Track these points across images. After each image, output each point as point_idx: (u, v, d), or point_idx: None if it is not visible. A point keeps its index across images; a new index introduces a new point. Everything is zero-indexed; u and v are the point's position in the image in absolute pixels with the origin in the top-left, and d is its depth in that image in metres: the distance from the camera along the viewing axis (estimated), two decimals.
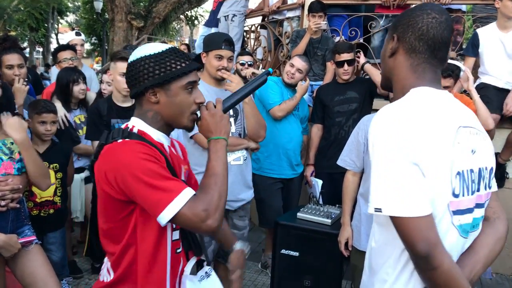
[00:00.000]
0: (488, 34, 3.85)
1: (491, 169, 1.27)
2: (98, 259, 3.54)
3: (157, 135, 1.39)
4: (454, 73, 3.16)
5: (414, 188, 1.08)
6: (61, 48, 4.06)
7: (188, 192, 1.23)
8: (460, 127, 1.17)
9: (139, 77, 1.34)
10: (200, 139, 2.48)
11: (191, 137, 2.51)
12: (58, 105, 3.32)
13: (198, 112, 1.40)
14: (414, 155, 1.08)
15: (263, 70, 4.42)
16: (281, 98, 3.49)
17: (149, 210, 1.24)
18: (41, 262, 2.27)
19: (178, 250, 1.41)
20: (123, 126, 1.41)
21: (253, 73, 4.08)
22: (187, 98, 1.36)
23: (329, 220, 2.66)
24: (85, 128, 3.49)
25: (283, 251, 2.71)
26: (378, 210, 1.11)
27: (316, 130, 3.68)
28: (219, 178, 1.28)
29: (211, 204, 1.23)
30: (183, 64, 1.34)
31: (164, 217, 1.21)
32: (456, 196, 1.14)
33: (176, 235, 1.39)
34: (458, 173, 1.14)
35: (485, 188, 1.25)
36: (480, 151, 1.22)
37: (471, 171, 1.19)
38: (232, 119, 2.64)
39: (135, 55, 1.37)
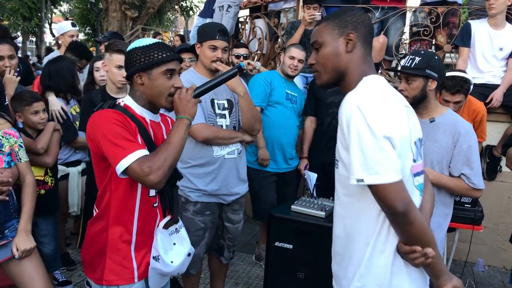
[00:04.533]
0: (479, 28, 3.89)
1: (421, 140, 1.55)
2: None
3: (140, 110, 1.72)
4: (463, 88, 3.02)
5: (388, 158, 1.28)
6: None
7: (140, 152, 1.54)
8: (405, 105, 1.46)
9: (130, 64, 1.69)
10: (193, 132, 2.46)
11: None
12: (53, 98, 3.23)
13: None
14: (385, 130, 1.28)
15: (258, 62, 4.39)
16: (263, 99, 3.45)
17: (111, 162, 1.57)
18: (31, 262, 2.23)
19: (155, 205, 1.75)
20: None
21: (249, 63, 4.06)
22: (166, 82, 1.67)
23: (323, 213, 2.65)
24: None
25: (277, 243, 2.71)
26: (360, 180, 1.30)
27: (310, 123, 3.67)
28: (170, 146, 1.57)
29: (156, 164, 1.52)
30: (164, 55, 1.66)
31: (119, 168, 1.53)
32: (414, 161, 1.42)
33: (153, 192, 1.72)
34: (414, 142, 1.43)
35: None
36: (416, 125, 1.50)
37: (419, 139, 1.50)
38: (226, 112, 2.62)
39: (130, 46, 1.71)
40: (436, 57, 2.34)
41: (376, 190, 1.30)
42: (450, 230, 3.29)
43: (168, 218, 1.77)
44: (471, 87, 3.15)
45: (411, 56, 2.28)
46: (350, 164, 1.33)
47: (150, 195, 1.72)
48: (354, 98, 1.37)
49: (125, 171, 1.53)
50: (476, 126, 3.34)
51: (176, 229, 1.80)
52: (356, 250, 1.44)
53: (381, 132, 1.28)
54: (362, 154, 1.29)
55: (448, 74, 3.15)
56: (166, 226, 1.75)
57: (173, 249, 1.76)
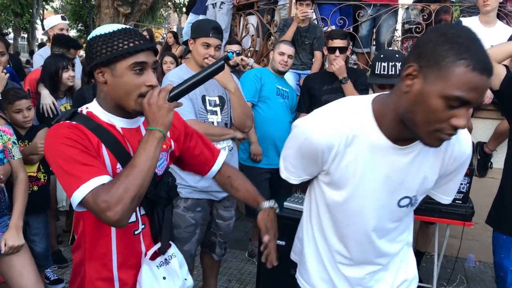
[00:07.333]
0: (471, 26, 3.92)
1: None
2: None
3: (107, 117, 1.38)
4: None
5: None
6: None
7: (96, 181, 1.20)
8: None
9: (89, 57, 1.34)
10: None
11: None
12: (45, 92, 3.25)
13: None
14: None
15: (251, 59, 4.39)
16: (254, 94, 3.45)
17: (66, 193, 1.26)
18: (20, 259, 2.23)
19: (136, 232, 1.42)
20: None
21: (242, 60, 4.06)
22: (134, 79, 1.31)
23: None
24: None
25: None
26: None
27: None
28: (133, 171, 1.22)
29: (113, 197, 1.18)
30: (131, 44, 1.30)
31: (73, 201, 1.22)
32: None
33: (133, 216, 1.38)
34: None
35: None
36: None
37: None
38: (218, 109, 2.62)
39: (91, 35, 1.35)
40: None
41: None
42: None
43: (157, 246, 1.46)
44: None
45: (390, 64, 2.27)
46: (444, 188, 1.45)
47: (129, 220, 1.33)
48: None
49: (81, 204, 1.22)
50: None
51: (165, 259, 1.48)
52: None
53: None
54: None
55: None
56: (153, 257, 1.45)
57: (161, 285, 1.44)
